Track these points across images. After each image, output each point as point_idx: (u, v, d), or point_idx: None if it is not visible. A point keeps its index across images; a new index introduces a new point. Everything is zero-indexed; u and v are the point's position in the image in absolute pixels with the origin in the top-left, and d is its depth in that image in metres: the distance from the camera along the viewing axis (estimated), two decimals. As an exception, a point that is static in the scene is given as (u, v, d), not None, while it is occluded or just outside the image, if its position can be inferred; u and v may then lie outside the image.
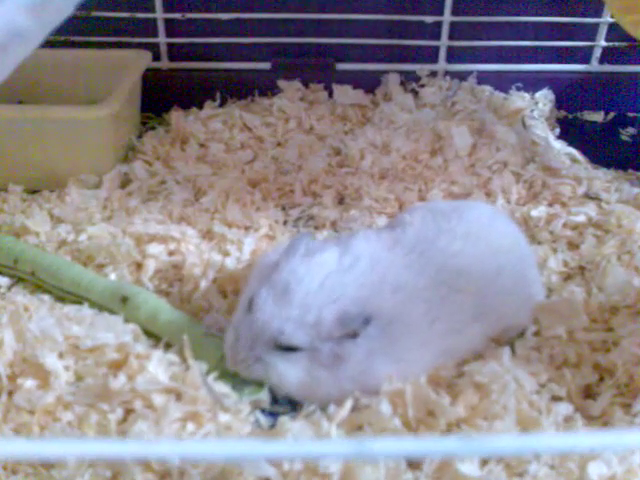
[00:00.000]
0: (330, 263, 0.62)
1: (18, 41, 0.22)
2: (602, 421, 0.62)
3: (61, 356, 0.63)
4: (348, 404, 0.59)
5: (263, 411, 0.62)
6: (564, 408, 0.61)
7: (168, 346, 0.67)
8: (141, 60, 1.04)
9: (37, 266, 0.77)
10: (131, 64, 1.03)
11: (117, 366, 0.62)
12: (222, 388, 0.62)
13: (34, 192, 0.94)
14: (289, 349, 0.60)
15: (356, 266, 0.62)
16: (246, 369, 0.61)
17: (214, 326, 0.69)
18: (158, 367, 0.61)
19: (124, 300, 0.71)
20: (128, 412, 0.58)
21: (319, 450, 0.28)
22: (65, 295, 0.75)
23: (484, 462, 0.56)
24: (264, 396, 0.63)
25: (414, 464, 0.56)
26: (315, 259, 0.62)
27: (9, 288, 0.78)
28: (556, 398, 0.63)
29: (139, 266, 0.79)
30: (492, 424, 0.57)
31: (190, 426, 0.56)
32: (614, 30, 1.19)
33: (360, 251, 0.64)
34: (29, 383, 0.60)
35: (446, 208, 0.74)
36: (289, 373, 0.60)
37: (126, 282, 0.76)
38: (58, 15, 0.24)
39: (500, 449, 0.25)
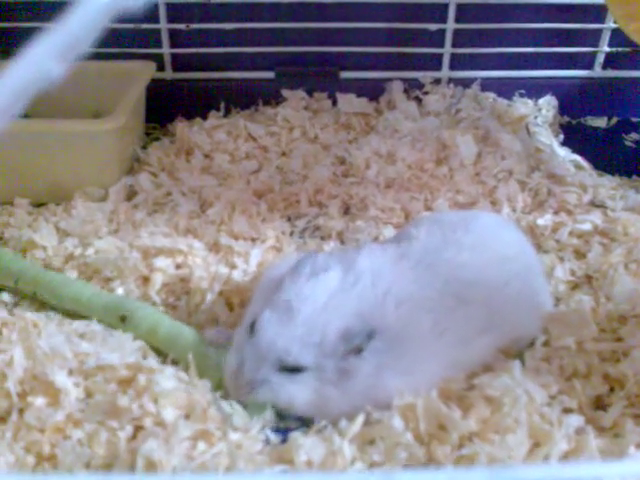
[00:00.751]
0: (334, 282, 0.62)
1: (45, 81, 0.22)
2: (613, 432, 0.61)
3: (71, 373, 0.63)
4: (360, 419, 0.59)
5: (272, 427, 0.62)
6: (575, 420, 0.61)
7: (176, 362, 0.67)
8: (146, 71, 1.05)
9: (38, 285, 0.76)
10: (136, 75, 1.03)
11: (126, 383, 0.62)
12: (231, 406, 0.61)
13: (40, 205, 0.94)
14: (295, 370, 0.60)
15: (359, 282, 0.62)
16: (251, 392, 0.60)
17: (218, 338, 0.69)
18: (167, 384, 0.60)
19: (123, 319, 0.71)
20: (138, 429, 0.58)
21: None
22: (69, 313, 0.75)
23: None
24: (268, 416, 0.62)
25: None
26: (319, 279, 0.62)
27: (15, 304, 0.77)
28: (567, 410, 0.62)
29: (146, 280, 0.79)
30: (504, 438, 0.57)
31: (201, 445, 0.55)
32: (617, 36, 1.19)
33: (363, 267, 0.63)
34: (39, 401, 0.60)
35: (452, 219, 0.74)
36: (297, 394, 0.60)
37: (131, 297, 0.76)
38: (80, 51, 0.24)
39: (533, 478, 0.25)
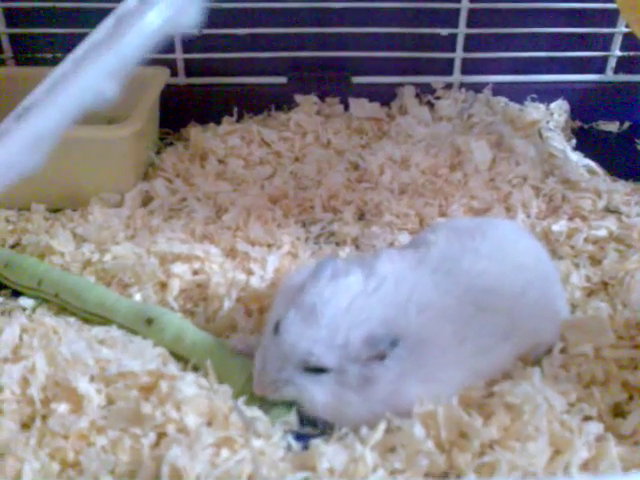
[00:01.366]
0: (356, 285, 0.62)
1: (98, 102, 0.23)
2: (633, 440, 0.61)
3: (92, 380, 0.63)
4: (381, 427, 0.59)
5: (293, 434, 0.62)
6: (595, 427, 0.61)
7: (197, 368, 0.67)
8: (160, 76, 1.05)
9: (61, 288, 0.77)
10: (150, 81, 1.03)
11: (148, 390, 0.62)
12: (252, 412, 0.62)
13: (56, 211, 0.94)
14: (318, 371, 0.60)
15: (382, 287, 0.62)
16: (275, 391, 0.61)
17: (240, 346, 0.70)
18: (189, 391, 0.61)
19: (149, 322, 0.71)
20: (161, 436, 0.59)
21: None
22: (90, 317, 0.75)
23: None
24: (292, 418, 0.63)
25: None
26: (341, 281, 0.62)
27: (34, 309, 0.78)
28: (586, 417, 0.63)
29: (164, 286, 0.79)
30: (525, 445, 0.57)
31: (224, 452, 0.56)
32: (629, 40, 1.19)
33: (385, 272, 0.64)
34: (62, 407, 0.60)
35: (469, 226, 0.74)
36: (319, 395, 0.61)
37: (149, 303, 0.76)
38: (129, 70, 0.24)
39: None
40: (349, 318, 0.60)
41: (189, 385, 0.61)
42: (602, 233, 0.88)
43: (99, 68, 0.23)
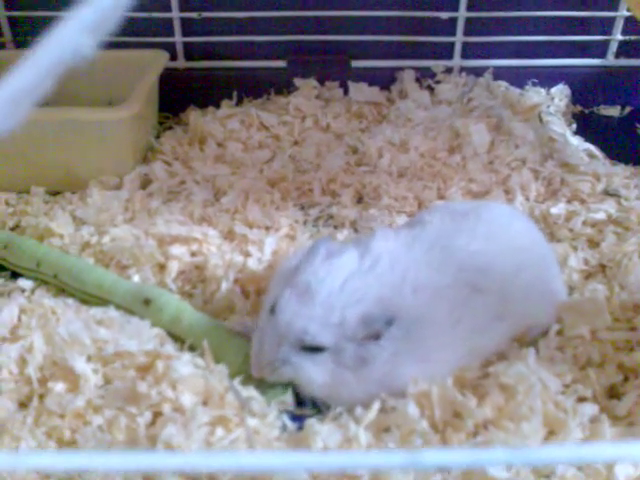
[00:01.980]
0: (351, 264, 0.62)
1: (77, 59, 0.23)
2: (627, 421, 0.62)
3: (89, 359, 0.64)
4: (375, 406, 0.60)
5: (289, 415, 0.62)
6: (590, 409, 0.61)
7: (193, 349, 0.68)
8: (159, 60, 1.05)
9: (59, 269, 0.78)
10: (149, 64, 1.03)
11: (145, 370, 0.63)
12: (248, 392, 0.62)
13: (56, 194, 0.95)
14: (314, 349, 0.60)
15: (377, 266, 0.62)
16: (273, 372, 0.61)
17: (237, 327, 0.70)
18: (184, 370, 0.61)
19: (147, 302, 0.72)
20: (156, 415, 0.59)
21: (374, 461, 0.28)
22: (88, 298, 0.76)
23: (511, 464, 0.56)
24: (288, 398, 0.63)
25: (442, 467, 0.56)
26: (335, 260, 0.62)
27: (33, 291, 0.78)
28: (581, 399, 0.63)
29: (162, 267, 0.79)
30: (519, 426, 0.58)
31: (219, 431, 0.56)
32: (630, 24, 1.18)
33: (380, 251, 0.64)
34: (59, 387, 0.61)
35: (464, 208, 0.74)
36: (315, 374, 0.61)
37: (147, 284, 0.77)
38: (109, 28, 0.24)
39: (548, 460, 0.26)
40: (344, 296, 0.60)
41: (185, 365, 0.62)
42: (600, 216, 0.88)
43: (76, 23, 0.22)
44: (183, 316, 0.70)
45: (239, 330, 0.69)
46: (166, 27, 1.16)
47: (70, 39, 0.23)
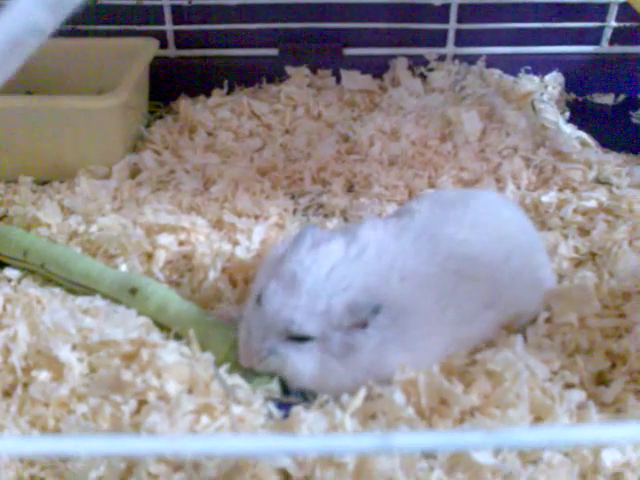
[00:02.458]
0: (337, 252, 0.62)
1: (35, 35, 0.22)
2: (615, 408, 0.62)
3: (74, 348, 0.63)
4: (361, 393, 0.59)
5: (275, 402, 0.62)
6: (577, 395, 0.61)
7: (180, 337, 0.67)
8: (149, 48, 1.04)
9: (47, 258, 0.77)
10: (139, 52, 1.02)
11: (130, 358, 0.62)
12: (234, 380, 0.62)
13: (44, 183, 0.94)
14: (301, 339, 0.60)
15: (363, 255, 0.62)
16: (260, 362, 0.61)
17: (224, 316, 0.70)
18: (169, 359, 0.61)
19: (133, 292, 0.71)
20: (141, 404, 0.59)
21: (346, 445, 0.28)
22: (75, 287, 0.75)
23: (498, 450, 0.56)
24: (275, 386, 0.63)
25: (428, 453, 0.56)
26: (322, 249, 0.62)
27: (19, 281, 0.78)
28: (569, 385, 0.63)
29: (149, 256, 0.79)
30: (506, 412, 0.57)
31: (204, 419, 0.56)
32: (625, 11, 1.17)
33: (367, 240, 0.64)
34: (43, 375, 0.60)
35: (452, 197, 0.74)
36: (302, 364, 0.61)
37: (135, 273, 0.76)
38: (72, 7, 0.23)
39: (522, 442, 0.25)
40: (330, 285, 0.60)
41: (170, 353, 0.61)
42: (591, 204, 0.87)
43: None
44: (169, 305, 0.69)
45: (226, 318, 0.69)
46: (157, 15, 1.15)
47: (26, 14, 0.23)
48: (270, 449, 0.26)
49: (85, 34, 1.12)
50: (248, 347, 0.61)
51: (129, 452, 0.29)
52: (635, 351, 0.64)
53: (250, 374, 0.63)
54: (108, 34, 1.12)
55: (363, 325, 0.60)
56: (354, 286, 0.60)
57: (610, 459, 0.55)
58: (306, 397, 0.63)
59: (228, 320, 0.69)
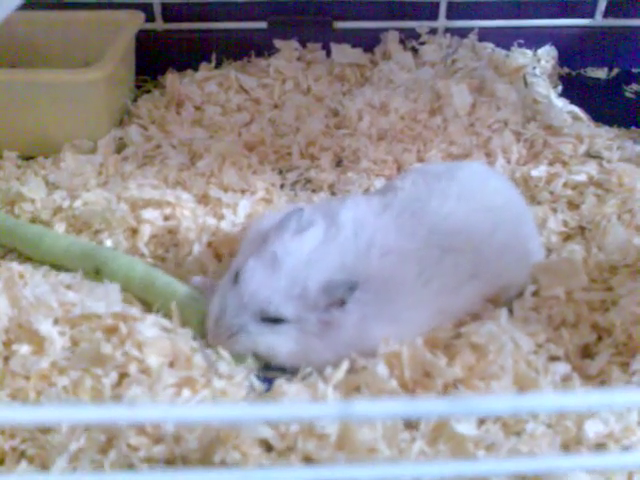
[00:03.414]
0: (317, 236, 0.62)
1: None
2: (600, 380, 0.61)
3: (56, 322, 0.63)
4: (344, 366, 0.59)
5: (258, 376, 0.62)
6: (562, 368, 0.61)
7: (160, 310, 0.67)
8: (134, 21, 1.02)
9: (16, 240, 0.76)
10: (124, 25, 1.01)
11: (111, 332, 0.62)
12: (216, 353, 0.61)
13: (29, 158, 0.93)
14: (276, 321, 0.60)
15: (339, 235, 0.62)
16: (230, 339, 0.60)
17: (203, 286, 0.69)
18: (149, 332, 0.60)
19: (97, 272, 0.70)
20: (122, 377, 0.58)
21: (307, 412, 0.27)
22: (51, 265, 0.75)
23: (481, 422, 0.56)
24: (251, 363, 0.62)
25: (411, 424, 0.56)
26: (304, 235, 0.62)
27: (3, 256, 0.77)
28: (554, 358, 0.62)
29: (134, 232, 0.78)
30: (489, 384, 0.57)
31: (185, 392, 0.56)
32: (619, -17, 1.16)
33: (345, 219, 0.63)
34: (24, 349, 0.60)
35: (438, 169, 0.73)
36: (278, 344, 0.60)
37: (99, 247, 0.74)
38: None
39: (489, 408, 0.25)
40: (308, 269, 0.60)
41: (150, 327, 0.61)
42: (581, 178, 0.86)
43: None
44: (133, 279, 0.68)
45: (203, 288, 0.68)
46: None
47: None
48: (236, 415, 0.25)
49: (70, 6, 1.10)
50: (219, 326, 0.61)
51: (109, 420, 0.29)
52: (620, 324, 0.64)
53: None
54: (94, 7, 1.10)
55: (341, 303, 0.60)
56: (329, 266, 0.60)
57: (593, 430, 0.55)
58: (289, 371, 0.62)
59: (206, 290, 0.68)
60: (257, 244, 0.63)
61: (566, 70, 1.21)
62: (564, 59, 1.20)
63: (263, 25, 1.16)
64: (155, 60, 1.12)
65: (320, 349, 0.60)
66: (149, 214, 0.78)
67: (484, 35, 1.18)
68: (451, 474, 0.27)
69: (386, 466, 0.27)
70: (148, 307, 0.68)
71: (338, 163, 0.94)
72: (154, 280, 0.68)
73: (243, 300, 0.59)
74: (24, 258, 0.76)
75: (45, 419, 0.29)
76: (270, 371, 0.63)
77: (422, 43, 1.17)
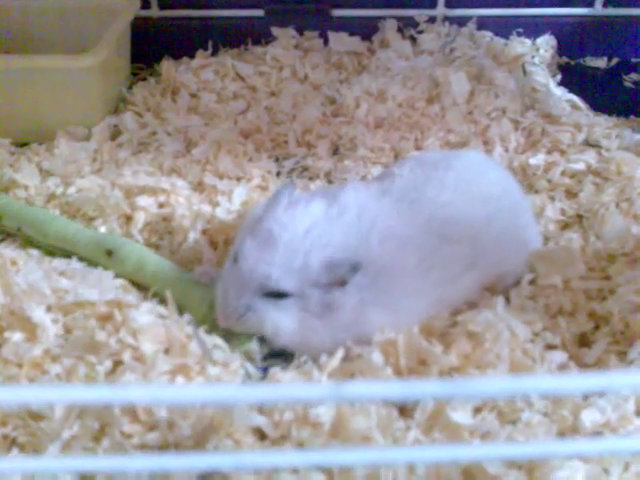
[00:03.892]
0: (317, 212, 0.61)
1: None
2: (596, 369, 0.61)
3: (49, 309, 0.62)
4: (339, 354, 0.59)
5: (255, 365, 0.61)
6: (558, 356, 0.61)
7: (161, 298, 0.66)
8: (129, 7, 1.01)
9: (22, 221, 0.76)
10: (120, 12, 1.00)
11: (106, 319, 0.61)
12: (213, 340, 0.61)
13: (23, 145, 0.92)
14: (278, 296, 0.59)
15: (344, 215, 0.62)
16: (238, 320, 0.60)
17: (204, 277, 0.69)
18: (144, 319, 0.60)
19: (109, 253, 0.70)
20: (116, 364, 0.58)
21: (299, 394, 0.27)
22: (53, 249, 0.74)
23: (477, 410, 0.55)
24: (254, 346, 0.62)
25: (406, 412, 0.56)
26: (300, 208, 0.61)
27: (-3, 244, 0.77)
28: (550, 346, 0.62)
29: (129, 219, 0.78)
30: (485, 372, 0.57)
31: (179, 379, 0.55)
32: (619, -29, 1.15)
33: (348, 201, 0.63)
34: (17, 336, 0.59)
35: (435, 158, 0.72)
36: (281, 321, 0.60)
37: (111, 234, 0.75)
38: None
39: (483, 391, 0.24)
40: (308, 242, 0.59)
41: (145, 314, 0.60)
42: (580, 166, 0.86)
43: None
44: (146, 265, 0.68)
45: (205, 279, 0.68)
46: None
47: None
48: (218, 396, 0.25)
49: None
50: (225, 306, 0.60)
51: (103, 401, 0.28)
52: (618, 312, 0.64)
53: (229, 335, 0.62)
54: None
55: (342, 283, 0.59)
56: (332, 244, 0.59)
57: (589, 419, 0.55)
58: (285, 359, 0.62)
59: (208, 280, 0.68)
60: (252, 226, 0.63)
61: (565, 59, 1.20)
62: (563, 48, 1.19)
63: (260, 13, 1.15)
64: (151, 48, 1.11)
65: (320, 331, 0.60)
66: (143, 201, 0.78)
67: (483, 24, 1.17)
68: (446, 459, 0.27)
69: (379, 451, 0.27)
70: (144, 294, 0.67)
71: (335, 151, 0.93)
72: (166, 269, 0.68)
73: (243, 278, 0.59)
74: (19, 244, 0.76)
75: (37, 399, 0.28)
76: (268, 359, 0.62)
77: (420, 32, 1.16)
